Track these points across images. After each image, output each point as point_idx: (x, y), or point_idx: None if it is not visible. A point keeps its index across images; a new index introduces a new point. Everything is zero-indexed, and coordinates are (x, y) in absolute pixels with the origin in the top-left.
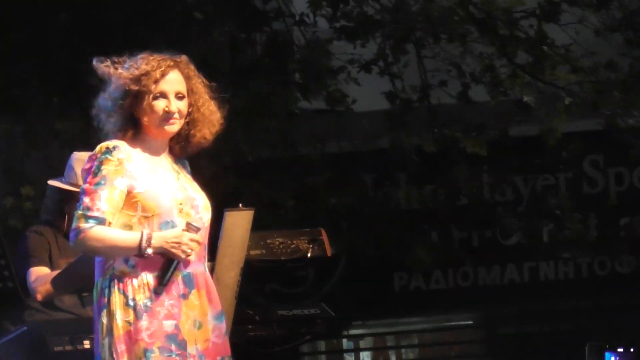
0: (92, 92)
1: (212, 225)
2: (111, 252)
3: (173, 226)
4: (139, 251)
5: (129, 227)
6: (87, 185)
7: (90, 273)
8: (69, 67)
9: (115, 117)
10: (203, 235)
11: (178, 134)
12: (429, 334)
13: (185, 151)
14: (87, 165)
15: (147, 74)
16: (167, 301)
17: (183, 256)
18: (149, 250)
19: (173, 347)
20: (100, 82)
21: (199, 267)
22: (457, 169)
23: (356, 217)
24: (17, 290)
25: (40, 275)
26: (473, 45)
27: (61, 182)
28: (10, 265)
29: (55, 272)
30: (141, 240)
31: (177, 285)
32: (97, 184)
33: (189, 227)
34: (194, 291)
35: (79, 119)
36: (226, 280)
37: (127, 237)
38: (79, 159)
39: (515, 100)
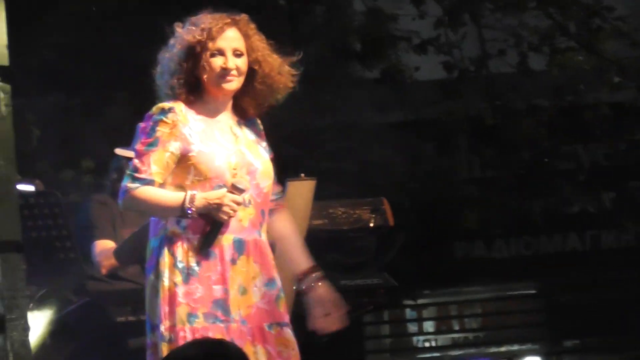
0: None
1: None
2: (156, 211)
3: None
4: (182, 211)
5: (182, 189)
6: (139, 146)
7: None
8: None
9: (175, 77)
10: (259, 201)
11: (245, 92)
12: (492, 303)
13: (256, 110)
14: (143, 125)
15: (204, 31)
16: (217, 266)
17: (225, 217)
18: (192, 210)
19: (219, 313)
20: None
21: (252, 233)
22: (518, 134)
23: (417, 185)
24: (79, 260)
25: (105, 248)
26: (530, 16)
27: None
28: (72, 236)
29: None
30: (184, 200)
31: (228, 249)
32: (149, 145)
33: (233, 188)
34: (242, 257)
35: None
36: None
37: (172, 197)
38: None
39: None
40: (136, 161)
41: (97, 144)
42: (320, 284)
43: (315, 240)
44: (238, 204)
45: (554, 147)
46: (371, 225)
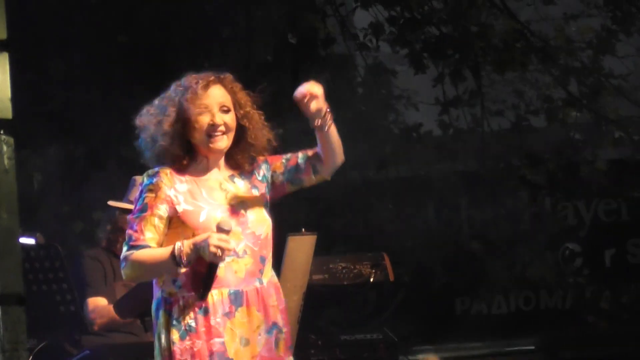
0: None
1: (274, 249)
2: (153, 270)
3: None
4: (174, 262)
5: None
6: (131, 216)
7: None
8: (130, 90)
9: (165, 141)
10: (257, 249)
11: (237, 148)
12: (491, 359)
13: (251, 164)
14: (137, 195)
15: (189, 89)
16: (212, 320)
17: (216, 253)
18: (182, 258)
19: None
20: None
21: (250, 283)
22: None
23: (420, 241)
24: (78, 313)
25: (98, 306)
26: (530, 74)
27: (121, 201)
28: (72, 289)
29: (110, 305)
30: (173, 250)
31: (222, 303)
32: (140, 212)
33: (218, 229)
34: (241, 309)
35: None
36: (289, 304)
37: (163, 252)
38: (139, 182)
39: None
40: (130, 231)
41: (104, 197)
42: None
43: (315, 295)
44: (227, 242)
45: (554, 204)
46: (372, 280)
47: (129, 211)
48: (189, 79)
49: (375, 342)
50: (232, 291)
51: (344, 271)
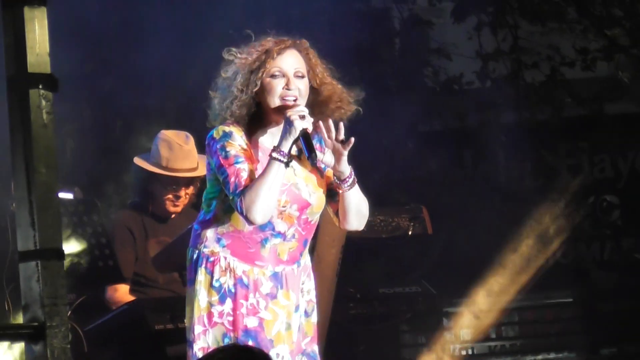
0: None
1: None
2: (270, 187)
3: (271, 227)
4: (279, 158)
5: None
6: (227, 167)
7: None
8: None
9: (236, 102)
10: (304, 233)
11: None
12: (529, 311)
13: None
14: (211, 149)
15: (264, 51)
16: (251, 297)
17: (301, 117)
18: (282, 153)
19: (250, 343)
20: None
21: (289, 265)
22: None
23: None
24: (117, 268)
25: (114, 295)
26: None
27: (147, 160)
28: (110, 244)
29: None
30: (270, 155)
31: (264, 282)
32: (236, 162)
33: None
34: (282, 291)
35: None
36: (327, 258)
37: (265, 169)
38: (164, 139)
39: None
40: (232, 179)
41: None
42: None
43: (353, 249)
44: (302, 110)
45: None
46: (410, 233)
47: (157, 176)
48: (264, 42)
49: (413, 295)
50: (272, 272)
51: (382, 224)
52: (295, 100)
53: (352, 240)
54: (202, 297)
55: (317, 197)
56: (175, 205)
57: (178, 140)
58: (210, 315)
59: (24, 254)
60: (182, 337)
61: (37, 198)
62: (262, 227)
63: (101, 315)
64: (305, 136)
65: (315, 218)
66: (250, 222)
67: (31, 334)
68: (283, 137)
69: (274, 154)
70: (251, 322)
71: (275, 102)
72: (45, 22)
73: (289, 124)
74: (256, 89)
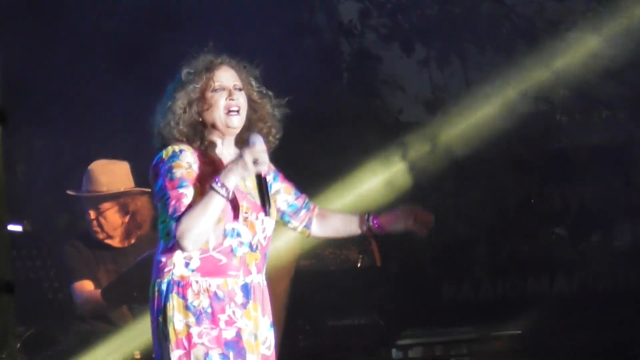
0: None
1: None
2: (207, 218)
3: (238, 233)
4: (218, 192)
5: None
6: (170, 190)
7: (143, 281)
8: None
9: (182, 122)
10: (264, 244)
11: (247, 128)
12: (478, 344)
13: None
14: (157, 170)
15: (203, 71)
16: (228, 309)
17: (255, 160)
18: (223, 185)
19: (231, 355)
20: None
21: (256, 277)
22: (504, 178)
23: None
24: (66, 300)
25: (84, 291)
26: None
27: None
28: (60, 277)
29: (96, 290)
30: (212, 187)
31: (236, 293)
32: (179, 186)
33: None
34: (251, 302)
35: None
36: (276, 290)
37: (205, 198)
38: (94, 168)
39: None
40: (173, 202)
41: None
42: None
43: (302, 281)
44: (261, 151)
45: (541, 190)
46: (359, 265)
47: (95, 200)
48: (199, 63)
49: (363, 327)
50: (243, 283)
51: (331, 256)
52: (238, 111)
53: (301, 273)
54: (177, 320)
55: (270, 206)
56: (103, 231)
57: (93, 165)
58: (189, 336)
59: None
60: None
61: None
62: (230, 235)
63: (50, 348)
64: (260, 180)
65: (270, 228)
66: (181, 248)
67: None
68: (230, 172)
69: (216, 187)
70: (229, 334)
71: (220, 114)
72: None
73: (242, 164)
74: (201, 108)
